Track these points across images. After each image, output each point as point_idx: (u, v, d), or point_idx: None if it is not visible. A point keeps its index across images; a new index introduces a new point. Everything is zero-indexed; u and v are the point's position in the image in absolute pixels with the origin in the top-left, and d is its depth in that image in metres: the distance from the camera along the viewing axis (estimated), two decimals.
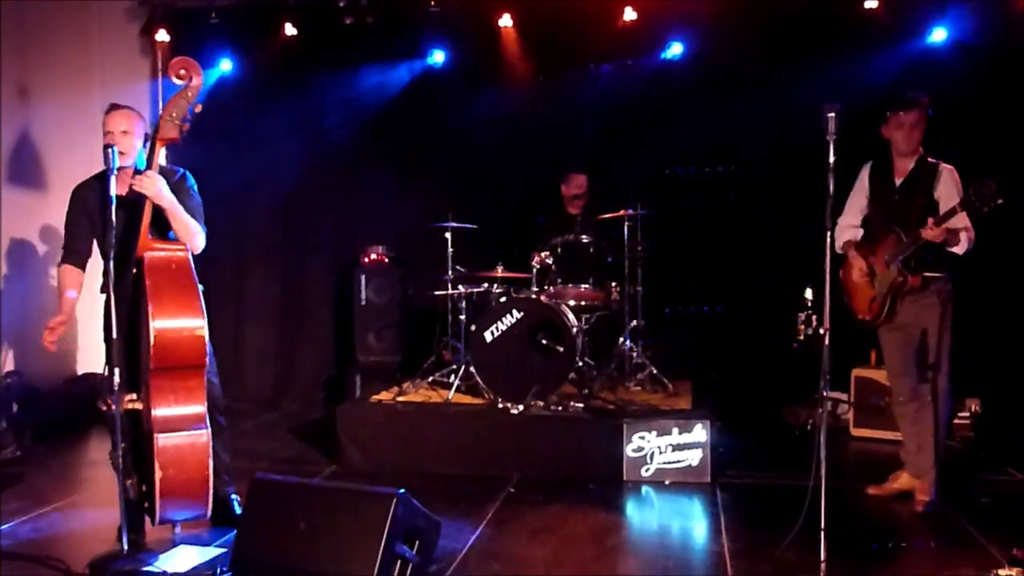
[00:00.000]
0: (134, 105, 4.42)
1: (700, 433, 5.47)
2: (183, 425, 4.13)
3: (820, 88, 6.17)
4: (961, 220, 4.52)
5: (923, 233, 4.48)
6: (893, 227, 4.69)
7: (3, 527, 4.70)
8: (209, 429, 4.20)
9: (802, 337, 3.85)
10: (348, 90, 7.92)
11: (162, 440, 4.06)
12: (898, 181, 4.81)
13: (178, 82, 4.24)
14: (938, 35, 6.98)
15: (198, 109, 4.27)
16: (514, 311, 6.08)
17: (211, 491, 4.18)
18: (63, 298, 4.38)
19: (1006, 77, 6.70)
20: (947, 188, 4.66)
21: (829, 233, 3.83)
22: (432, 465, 5.73)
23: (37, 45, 7.14)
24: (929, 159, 4.77)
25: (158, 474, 4.03)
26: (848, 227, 4.97)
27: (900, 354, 4.88)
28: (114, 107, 4.34)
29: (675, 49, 7.47)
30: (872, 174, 4.94)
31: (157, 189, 4.14)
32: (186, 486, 4.11)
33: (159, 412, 4.10)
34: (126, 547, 4.03)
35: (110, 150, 4.03)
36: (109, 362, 4.16)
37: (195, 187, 4.47)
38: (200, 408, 4.21)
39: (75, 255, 4.41)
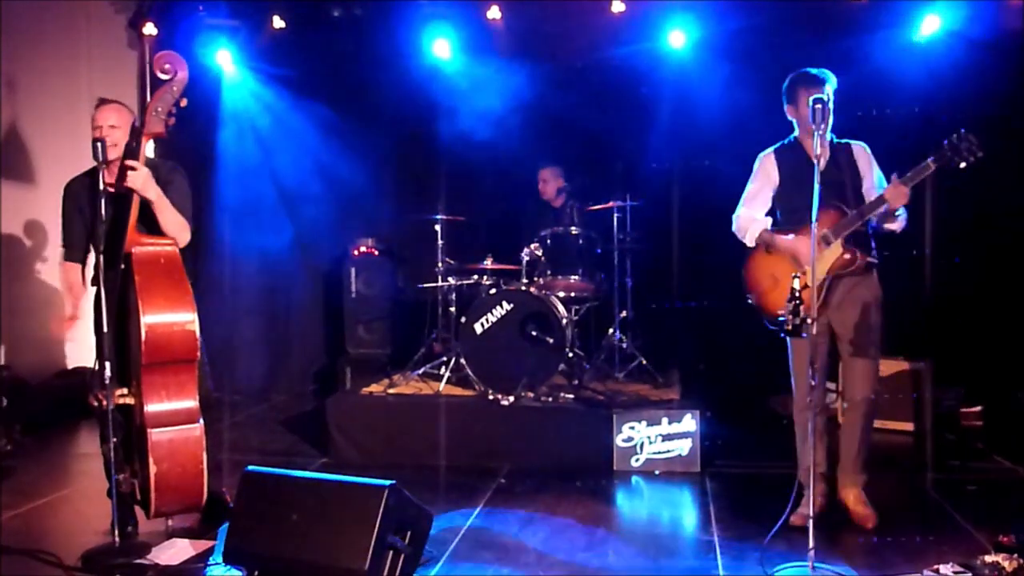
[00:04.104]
0: (122, 98, 4.42)
1: (690, 423, 5.50)
2: (176, 420, 4.14)
3: None
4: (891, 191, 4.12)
5: (887, 194, 4.09)
6: (833, 202, 4.21)
7: None
8: (203, 423, 4.22)
9: (790, 327, 3.84)
10: (336, 82, 7.91)
11: (155, 435, 4.08)
12: (817, 162, 4.01)
13: (163, 77, 4.23)
14: (929, 25, 6.91)
15: (183, 103, 4.27)
16: (504, 303, 6.10)
17: (206, 484, 4.20)
18: (73, 296, 4.39)
19: (997, 68, 6.70)
20: (866, 161, 4.41)
21: (814, 223, 3.82)
22: (423, 456, 5.74)
23: (24, 39, 7.10)
24: (836, 138, 4.42)
25: (152, 469, 4.04)
26: (753, 220, 4.53)
27: (821, 356, 4.34)
28: (103, 101, 4.34)
29: (666, 40, 7.45)
30: (780, 161, 4.50)
31: (143, 182, 4.13)
32: (180, 480, 4.13)
33: (151, 407, 4.11)
34: (118, 540, 4.06)
35: (99, 144, 4.04)
36: (99, 356, 4.17)
37: (185, 180, 4.46)
38: (192, 402, 4.21)
39: (74, 251, 4.41)
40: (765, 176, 4.55)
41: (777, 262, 4.41)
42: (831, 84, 4.31)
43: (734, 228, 4.60)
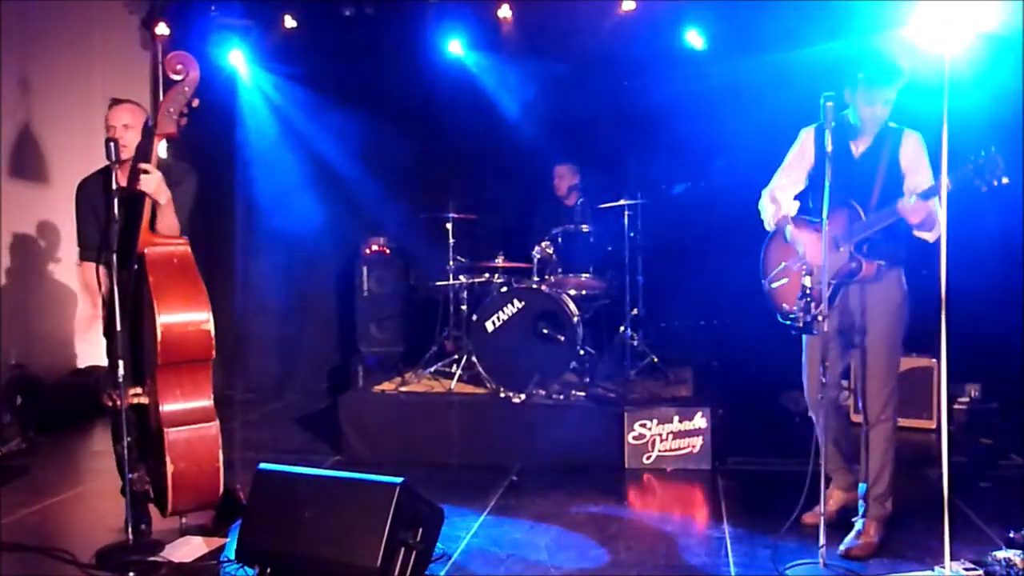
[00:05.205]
0: (134, 98, 4.43)
1: (700, 420, 5.50)
2: (192, 419, 4.17)
3: (824, 76, 6.13)
4: (932, 202, 3.80)
5: (900, 207, 3.79)
6: (849, 200, 3.93)
7: (9, 519, 4.73)
8: (218, 421, 4.24)
9: (801, 324, 3.82)
10: (347, 81, 7.94)
11: (172, 434, 4.10)
12: (855, 148, 4.02)
13: (175, 77, 4.24)
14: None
15: (195, 103, 4.27)
16: (515, 301, 6.11)
17: (222, 482, 4.22)
18: (91, 295, 4.39)
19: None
20: (914, 157, 3.98)
21: (825, 221, 3.79)
22: (435, 454, 5.77)
23: (38, 38, 7.14)
24: (891, 124, 4.04)
25: (169, 468, 4.07)
26: (782, 199, 4.22)
27: (832, 355, 4.12)
28: (116, 102, 4.34)
29: (678, 38, 7.42)
30: (819, 141, 4.07)
31: (156, 186, 4.12)
32: (197, 478, 4.16)
33: (167, 407, 4.13)
34: (132, 538, 4.08)
35: (112, 144, 4.06)
36: (111, 356, 4.19)
37: (195, 185, 4.43)
38: (207, 402, 4.24)
39: (90, 250, 4.40)
40: (800, 153, 4.22)
41: (793, 253, 4.18)
42: (894, 85, 3.93)
43: (759, 205, 4.32)
